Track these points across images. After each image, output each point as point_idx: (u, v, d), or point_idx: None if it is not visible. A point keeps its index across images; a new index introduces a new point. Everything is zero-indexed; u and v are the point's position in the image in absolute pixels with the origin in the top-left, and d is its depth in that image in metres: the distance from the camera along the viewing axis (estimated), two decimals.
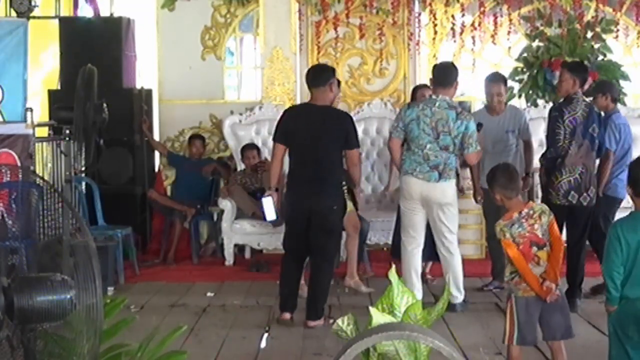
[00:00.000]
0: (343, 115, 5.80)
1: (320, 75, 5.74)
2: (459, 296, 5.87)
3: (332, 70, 5.90)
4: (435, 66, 6.21)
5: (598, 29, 8.35)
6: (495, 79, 6.61)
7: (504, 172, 4.33)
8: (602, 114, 6.24)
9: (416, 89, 6.96)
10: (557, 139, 5.86)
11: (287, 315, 5.69)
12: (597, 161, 6.08)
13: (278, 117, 5.99)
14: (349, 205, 6.27)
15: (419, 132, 5.68)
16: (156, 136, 8.65)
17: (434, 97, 5.80)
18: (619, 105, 6.86)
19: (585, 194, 5.85)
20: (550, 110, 6.09)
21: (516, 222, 4.13)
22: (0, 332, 2.53)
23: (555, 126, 5.89)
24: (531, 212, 4.14)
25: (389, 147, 6.01)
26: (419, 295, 5.62)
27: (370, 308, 2.81)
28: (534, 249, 4.12)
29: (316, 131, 5.57)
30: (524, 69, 8.47)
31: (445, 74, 5.86)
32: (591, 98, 6.49)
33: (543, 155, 6.13)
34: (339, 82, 6.13)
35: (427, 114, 5.69)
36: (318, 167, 5.58)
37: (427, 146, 5.68)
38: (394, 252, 6.83)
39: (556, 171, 5.86)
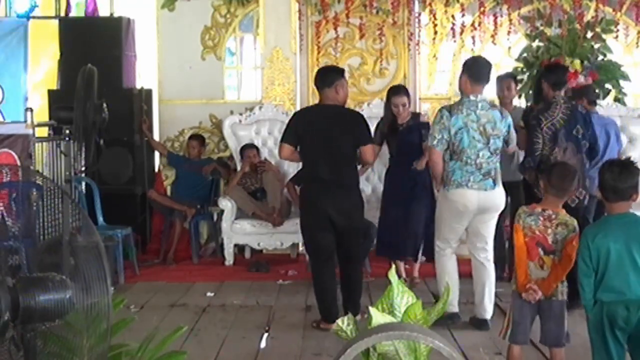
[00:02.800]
0: (354, 113, 5.76)
1: (325, 77, 5.62)
2: (490, 311, 5.53)
3: (340, 72, 5.73)
4: (471, 61, 5.58)
5: (598, 29, 8.34)
6: (506, 76, 6.86)
7: (559, 170, 4.30)
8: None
9: (390, 94, 6.69)
10: (536, 148, 5.79)
11: (333, 325, 5.63)
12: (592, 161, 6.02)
13: (287, 120, 5.94)
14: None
15: (469, 140, 5.27)
16: (156, 136, 8.65)
17: (472, 97, 5.31)
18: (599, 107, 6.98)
19: (573, 196, 5.74)
20: (528, 118, 5.97)
21: (534, 215, 4.12)
22: (7, 332, 2.54)
23: (533, 135, 5.81)
24: (553, 216, 4.09)
25: (431, 160, 5.44)
26: (457, 292, 5.55)
27: (370, 308, 2.81)
28: (540, 251, 4.10)
29: (330, 131, 5.49)
30: (524, 69, 8.46)
31: (484, 70, 5.40)
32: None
33: (522, 164, 6.07)
34: None
35: (474, 119, 5.27)
36: (335, 167, 5.51)
37: (480, 154, 5.29)
38: (384, 252, 6.77)
39: (540, 175, 5.80)
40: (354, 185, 5.64)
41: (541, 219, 4.11)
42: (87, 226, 2.78)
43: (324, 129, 5.51)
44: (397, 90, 6.70)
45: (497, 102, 6.78)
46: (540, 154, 5.80)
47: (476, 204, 5.35)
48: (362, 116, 5.74)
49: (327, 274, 5.59)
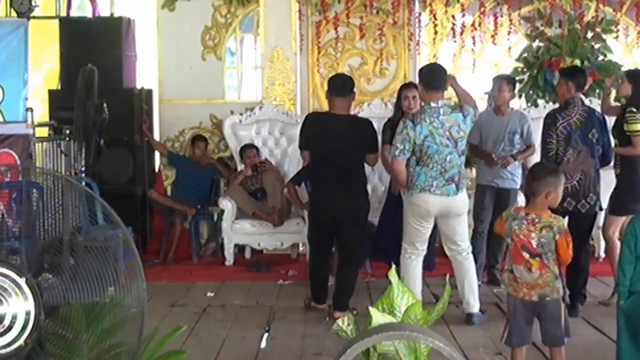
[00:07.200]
0: (366, 122, 5.95)
1: (347, 85, 5.88)
2: (475, 305, 5.60)
3: (353, 85, 5.98)
4: (423, 70, 5.62)
5: (598, 29, 8.35)
6: (500, 78, 6.79)
7: (534, 170, 4.35)
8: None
9: (401, 88, 6.69)
10: (549, 149, 5.77)
11: (324, 306, 5.96)
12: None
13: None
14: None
15: (437, 146, 5.30)
16: (156, 136, 8.65)
17: (433, 104, 5.33)
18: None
19: (583, 201, 5.71)
20: (545, 117, 5.98)
21: (518, 219, 4.12)
22: (36, 332, 2.60)
23: (547, 135, 5.80)
24: (537, 219, 4.07)
25: (394, 170, 5.52)
26: (419, 295, 5.52)
27: (370, 308, 2.82)
28: (525, 254, 4.08)
29: (341, 141, 5.73)
30: (524, 69, 8.47)
31: (436, 78, 5.43)
32: (591, 100, 6.52)
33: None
34: None
35: (438, 126, 5.29)
36: (344, 173, 5.75)
37: (448, 158, 5.33)
38: (381, 256, 6.63)
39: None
40: (361, 186, 5.90)
41: (525, 223, 4.10)
42: (115, 221, 2.85)
43: (334, 137, 5.76)
44: (408, 84, 6.81)
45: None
46: (555, 154, 5.76)
47: (438, 209, 5.44)
48: (371, 124, 5.93)
49: (320, 262, 6.00)
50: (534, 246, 4.06)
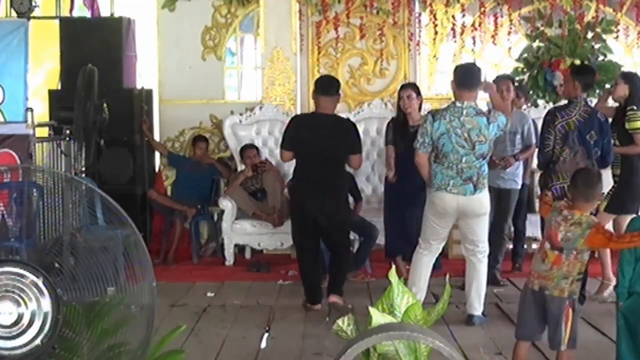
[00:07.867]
0: (349, 123, 6.14)
1: (333, 84, 6.08)
2: (479, 308, 5.57)
3: (339, 86, 6.20)
4: (458, 68, 5.69)
5: (598, 30, 8.36)
6: (505, 78, 6.83)
7: (584, 177, 4.27)
8: None
9: (399, 89, 6.80)
10: (546, 144, 5.78)
11: (318, 307, 6.01)
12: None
13: (285, 125, 6.27)
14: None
15: (453, 146, 5.33)
16: (156, 136, 8.65)
17: (458, 104, 5.36)
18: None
19: None
20: (546, 114, 5.99)
21: (556, 212, 4.15)
22: (54, 332, 2.62)
23: (545, 131, 5.80)
24: (569, 217, 4.07)
25: (416, 162, 5.56)
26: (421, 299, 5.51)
27: (370, 308, 2.82)
28: (547, 245, 4.12)
29: (325, 140, 5.90)
30: (525, 70, 8.48)
31: (470, 77, 5.44)
32: (592, 100, 6.52)
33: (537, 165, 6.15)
34: None
35: (457, 125, 5.32)
36: (327, 172, 5.92)
37: (463, 159, 5.35)
38: (390, 252, 6.74)
39: (547, 177, 5.80)
40: (341, 187, 6.14)
41: (559, 218, 4.12)
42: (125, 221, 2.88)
43: (319, 136, 5.91)
44: (405, 85, 6.90)
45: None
46: (552, 152, 5.77)
47: (455, 208, 5.45)
48: (354, 125, 6.16)
49: (308, 262, 6.09)
50: (559, 239, 4.07)
